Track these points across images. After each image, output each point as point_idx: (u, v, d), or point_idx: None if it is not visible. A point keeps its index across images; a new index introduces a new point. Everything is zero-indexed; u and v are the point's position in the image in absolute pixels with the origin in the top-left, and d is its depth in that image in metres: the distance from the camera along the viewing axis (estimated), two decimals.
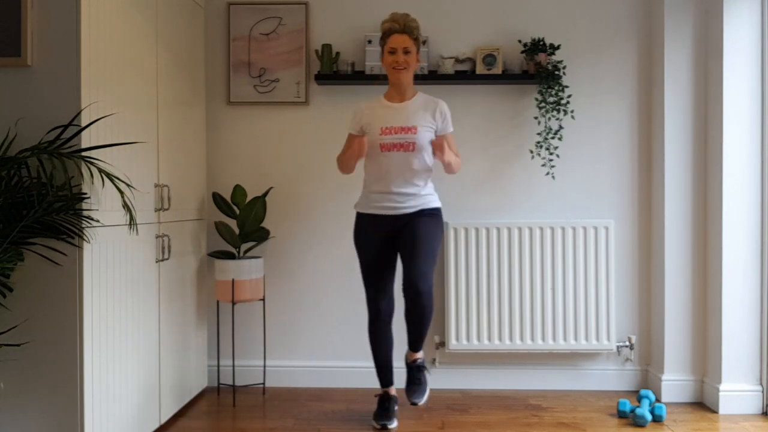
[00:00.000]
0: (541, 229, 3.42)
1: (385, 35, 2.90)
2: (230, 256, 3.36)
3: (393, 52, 2.87)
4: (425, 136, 2.87)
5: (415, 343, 2.95)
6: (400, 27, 2.86)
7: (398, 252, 2.94)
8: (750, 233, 3.12)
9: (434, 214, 2.94)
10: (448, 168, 2.94)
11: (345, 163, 2.98)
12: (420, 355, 3.00)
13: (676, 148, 3.31)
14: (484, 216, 3.52)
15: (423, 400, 2.95)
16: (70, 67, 2.22)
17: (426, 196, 2.94)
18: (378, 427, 2.93)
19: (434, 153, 2.88)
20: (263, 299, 3.44)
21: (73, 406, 2.23)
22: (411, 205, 2.90)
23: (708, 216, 3.27)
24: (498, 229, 3.42)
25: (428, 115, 2.91)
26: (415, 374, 2.98)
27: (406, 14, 2.90)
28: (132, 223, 2.36)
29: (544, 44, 3.39)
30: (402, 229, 2.91)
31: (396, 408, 3.02)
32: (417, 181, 2.90)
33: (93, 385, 2.30)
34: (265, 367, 3.52)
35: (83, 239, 2.21)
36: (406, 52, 2.86)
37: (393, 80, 2.93)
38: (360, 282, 3.02)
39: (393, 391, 3.05)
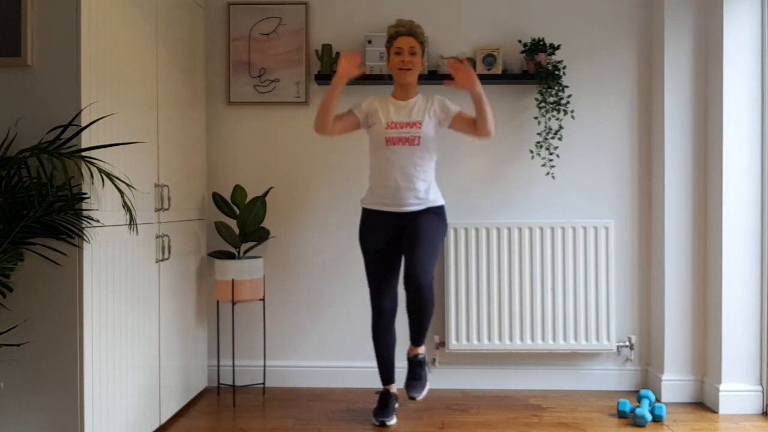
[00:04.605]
0: (541, 229, 3.42)
1: (391, 38, 2.99)
2: (230, 256, 3.36)
3: (399, 53, 2.95)
4: (429, 130, 2.94)
5: (416, 338, 2.98)
6: (405, 30, 2.96)
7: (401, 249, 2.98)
8: (750, 233, 3.12)
9: (438, 212, 2.98)
10: (482, 115, 2.83)
11: (325, 101, 2.86)
12: (422, 350, 3.02)
13: (676, 148, 3.31)
14: (484, 216, 3.52)
15: (422, 395, 2.97)
16: (70, 67, 2.22)
17: (431, 194, 2.96)
18: (377, 423, 2.95)
19: (462, 86, 2.81)
20: (263, 299, 3.44)
21: (73, 406, 2.23)
22: (416, 203, 2.93)
23: (708, 216, 3.27)
24: (498, 229, 3.42)
25: (429, 109, 2.97)
26: (416, 369, 3.01)
27: (411, 20, 3.00)
28: (132, 223, 2.36)
29: (544, 44, 3.39)
30: (406, 227, 2.94)
31: (396, 406, 3.05)
32: (421, 176, 2.93)
33: (93, 385, 2.30)
34: (265, 367, 3.52)
35: (83, 239, 2.21)
36: (412, 53, 2.94)
37: (399, 80, 2.99)
38: (360, 281, 3.03)
39: (394, 389, 3.07)
